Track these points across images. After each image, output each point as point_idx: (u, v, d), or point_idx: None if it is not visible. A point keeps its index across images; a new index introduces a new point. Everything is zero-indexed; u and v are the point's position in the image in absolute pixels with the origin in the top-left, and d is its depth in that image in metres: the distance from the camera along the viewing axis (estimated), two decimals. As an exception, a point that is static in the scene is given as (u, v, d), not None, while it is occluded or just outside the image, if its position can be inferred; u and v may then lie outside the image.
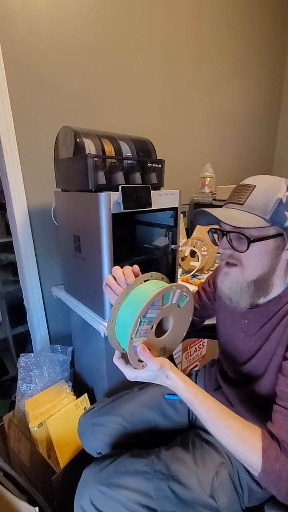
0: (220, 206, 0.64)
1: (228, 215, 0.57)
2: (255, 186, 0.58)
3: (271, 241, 0.57)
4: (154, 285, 0.54)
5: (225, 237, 0.60)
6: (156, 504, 0.62)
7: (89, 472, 0.69)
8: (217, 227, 0.64)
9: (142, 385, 0.91)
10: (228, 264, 0.62)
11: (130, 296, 0.53)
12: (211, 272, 1.05)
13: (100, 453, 0.81)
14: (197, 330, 0.99)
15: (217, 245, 0.65)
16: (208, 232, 0.68)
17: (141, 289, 0.53)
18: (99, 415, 0.84)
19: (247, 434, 0.50)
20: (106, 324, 0.98)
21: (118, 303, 0.52)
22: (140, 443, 0.78)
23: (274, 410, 0.54)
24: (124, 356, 0.55)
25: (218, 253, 0.66)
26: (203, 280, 1.30)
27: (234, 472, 0.66)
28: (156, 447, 0.72)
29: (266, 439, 0.49)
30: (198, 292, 0.91)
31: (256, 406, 0.66)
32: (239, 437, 0.50)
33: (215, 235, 0.67)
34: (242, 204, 0.58)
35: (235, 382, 0.73)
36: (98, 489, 0.63)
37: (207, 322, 0.96)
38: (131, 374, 0.53)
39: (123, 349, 0.55)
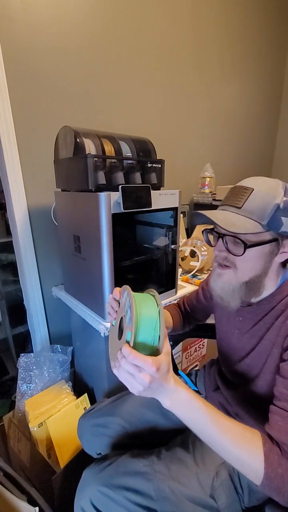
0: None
1: (226, 220, 0.57)
2: (253, 190, 0.58)
3: (266, 246, 0.57)
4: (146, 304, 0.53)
5: (220, 239, 0.61)
6: (156, 505, 0.61)
7: (89, 473, 0.68)
8: (212, 227, 0.64)
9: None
10: (221, 265, 0.63)
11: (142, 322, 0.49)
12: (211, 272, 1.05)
13: (100, 453, 0.81)
14: (197, 330, 0.99)
15: (211, 246, 0.66)
16: (202, 232, 0.68)
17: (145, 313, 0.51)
18: (99, 415, 0.84)
19: (248, 438, 0.49)
20: (105, 324, 0.99)
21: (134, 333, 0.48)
22: (140, 443, 0.78)
23: (272, 411, 0.54)
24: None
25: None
26: (203, 280, 1.31)
27: (234, 472, 0.66)
28: (156, 448, 0.72)
29: (267, 444, 0.48)
30: (197, 290, 0.93)
31: (254, 406, 0.66)
32: (239, 439, 0.49)
33: (210, 236, 0.68)
34: (239, 208, 0.58)
35: (232, 383, 0.74)
36: (98, 489, 0.63)
37: (206, 321, 0.96)
38: (156, 361, 0.46)
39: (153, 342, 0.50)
